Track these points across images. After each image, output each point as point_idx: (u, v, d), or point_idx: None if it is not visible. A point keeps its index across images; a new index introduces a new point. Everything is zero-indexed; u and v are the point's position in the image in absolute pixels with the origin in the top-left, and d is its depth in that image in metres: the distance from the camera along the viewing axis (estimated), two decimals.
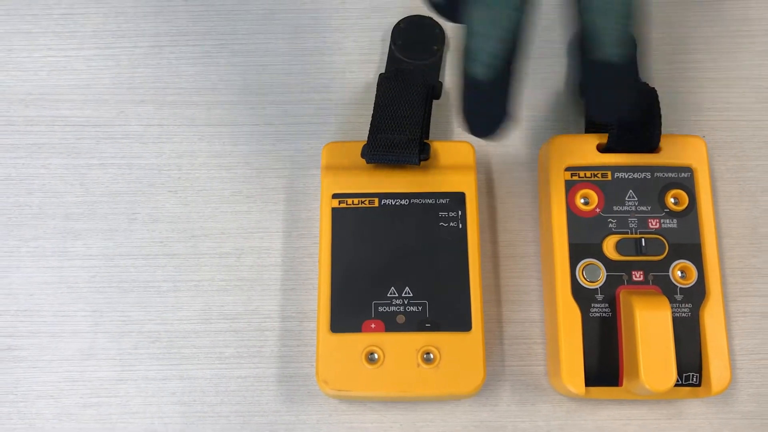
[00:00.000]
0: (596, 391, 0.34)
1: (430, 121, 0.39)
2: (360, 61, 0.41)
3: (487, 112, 0.28)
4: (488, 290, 0.37)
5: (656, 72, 0.41)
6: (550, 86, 0.41)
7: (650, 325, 0.32)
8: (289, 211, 0.39)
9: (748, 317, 0.37)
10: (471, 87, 0.28)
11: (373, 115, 0.37)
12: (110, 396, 0.36)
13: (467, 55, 0.27)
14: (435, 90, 0.39)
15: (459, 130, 0.40)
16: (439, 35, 0.41)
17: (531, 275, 0.38)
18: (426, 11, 0.41)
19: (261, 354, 0.36)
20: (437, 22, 0.41)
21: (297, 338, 0.37)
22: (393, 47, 0.41)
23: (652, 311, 0.32)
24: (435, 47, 0.41)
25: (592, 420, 0.36)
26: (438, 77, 0.40)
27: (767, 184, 0.39)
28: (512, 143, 0.40)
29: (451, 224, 0.36)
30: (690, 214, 0.35)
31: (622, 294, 0.34)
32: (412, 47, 0.41)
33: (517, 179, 0.39)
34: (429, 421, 0.36)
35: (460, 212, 0.36)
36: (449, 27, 0.41)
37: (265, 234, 0.38)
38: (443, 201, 0.36)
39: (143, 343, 0.37)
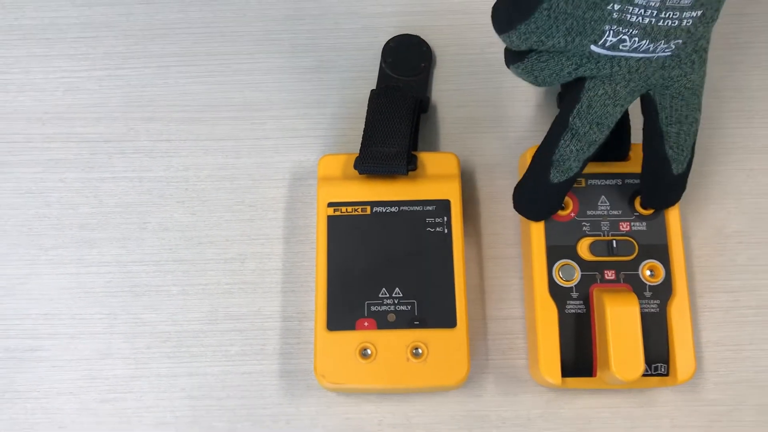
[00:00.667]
0: (572, 381, 0.37)
1: (418, 134, 0.42)
2: (353, 78, 0.44)
3: (550, 205, 0.37)
4: (473, 290, 0.40)
5: None
6: (530, 99, 0.44)
7: (620, 320, 0.35)
8: (288, 219, 0.42)
9: (714, 312, 0.40)
10: (549, 189, 0.36)
11: (364, 129, 0.40)
12: (125, 392, 0.39)
13: (556, 165, 0.35)
14: (423, 104, 0.42)
15: (446, 141, 0.43)
16: (426, 53, 0.44)
17: (513, 275, 0.40)
18: (414, 30, 0.44)
19: (264, 351, 0.39)
20: (424, 41, 0.44)
21: (297, 336, 0.40)
22: (383, 65, 0.44)
23: (621, 307, 0.35)
24: (422, 64, 0.44)
25: (569, 409, 0.39)
26: (426, 92, 0.43)
27: (731, 188, 0.42)
28: (495, 153, 0.43)
29: (438, 229, 0.39)
30: (658, 217, 0.38)
31: (595, 292, 0.37)
32: (401, 64, 0.44)
33: (500, 186, 0.42)
34: (420, 411, 0.39)
35: (445, 218, 0.39)
36: (436, 45, 0.44)
37: (266, 240, 0.41)
38: (430, 208, 0.39)
39: (155, 342, 0.40)
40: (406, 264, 0.38)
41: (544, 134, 0.43)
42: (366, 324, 0.37)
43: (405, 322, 0.37)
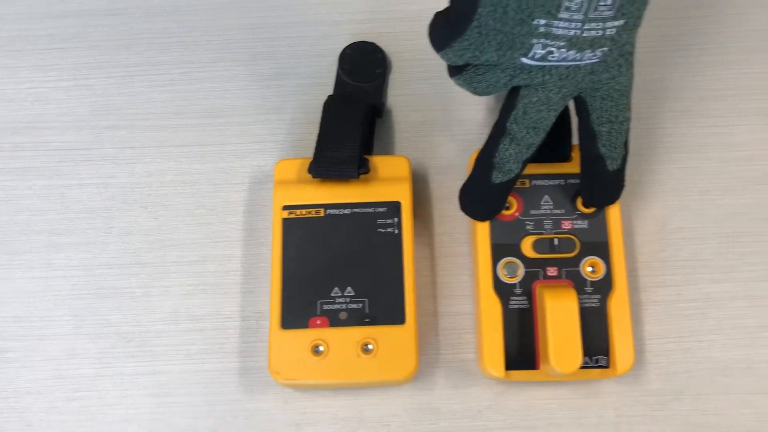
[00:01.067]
0: (516, 374, 0.38)
1: (373, 138, 0.44)
2: (312, 84, 0.46)
3: (493, 205, 0.39)
4: (425, 287, 0.42)
5: None
6: (481, 103, 0.45)
7: (558, 314, 0.37)
8: (248, 222, 0.43)
9: (657, 305, 0.41)
10: (493, 190, 0.37)
11: (318, 134, 0.41)
12: (90, 390, 0.41)
13: (497, 168, 0.37)
14: (377, 109, 0.44)
15: (400, 144, 0.45)
16: (382, 59, 0.46)
17: (463, 272, 0.42)
18: (371, 37, 0.46)
19: (223, 350, 0.41)
20: (380, 48, 0.46)
21: (255, 335, 0.41)
22: (340, 71, 0.45)
23: (560, 302, 0.37)
24: (378, 70, 0.45)
25: (517, 401, 0.40)
26: (381, 98, 0.45)
27: (674, 185, 0.43)
28: (448, 155, 0.44)
29: (388, 230, 0.40)
30: (599, 215, 0.40)
31: (537, 288, 0.38)
32: (357, 71, 0.45)
33: (452, 187, 0.44)
34: (373, 405, 0.40)
35: (396, 219, 0.40)
36: (392, 51, 0.46)
37: (226, 243, 0.43)
38: (381, 210, 0.40)
39: (119, 342, 0.41)
40: (358, 264, 0.40)
41: None
42: (318, 322, 0.39)
43: (356, 319, 0.39)
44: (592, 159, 0.37)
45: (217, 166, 0.44)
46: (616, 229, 0.39)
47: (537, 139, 0.36)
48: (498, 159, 0.37)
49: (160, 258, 0.43)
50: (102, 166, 0.45)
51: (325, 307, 0.39)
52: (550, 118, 0.36)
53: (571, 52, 0.33)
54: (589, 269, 0.39)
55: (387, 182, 0.41)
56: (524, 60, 0.33)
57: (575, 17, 0.31)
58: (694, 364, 0.40)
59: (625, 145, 0.37)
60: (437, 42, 0.34)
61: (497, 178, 0.37)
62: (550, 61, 0.33)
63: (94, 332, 0.42)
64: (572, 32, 0.32)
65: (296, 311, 0.39)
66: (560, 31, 0.32)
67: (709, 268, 0.42)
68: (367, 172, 0.41)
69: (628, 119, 0.36)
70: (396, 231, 0.40)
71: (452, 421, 0.40)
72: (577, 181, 0.40)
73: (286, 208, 0.41)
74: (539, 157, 0.40)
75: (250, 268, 0.42)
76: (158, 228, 0.43)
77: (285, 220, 0.40)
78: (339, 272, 0.39)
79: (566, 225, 0.39)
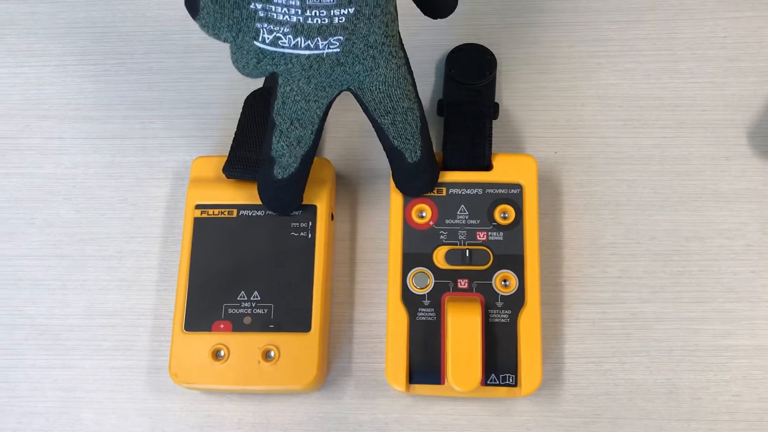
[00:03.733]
0: (420, 388, 0.37)
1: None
2: (244, 79, 0.44)
3: (285, 199, 0.38)
4: (342, 293, 0.41)
5: (515, 90, 0.44)
6: None
7: (459, 329, 0.35)
8: (168, 218, 0.43)
9: (581, 323, 0.40)
10: (276, 185, 0.37)
11: (235, 133, 0.40)
12: (0, 381, 0.41)
13: (276, 162, 0.36)
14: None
15: (330, 146, 0.43)
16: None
17: (382, 280, 0.41)
18: None
19: (134, 348, 0.41)
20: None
21: (166, 334, 0.40)
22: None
23: (461, 315, 0.35)
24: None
25: (425, 415, 0.39)
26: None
27: (610, 199, 0.41)
28: (376, 159, 0.43)
29: (302, 234, 0.39)
30: (516, 227, 0.38)
31: (446, 300, 0.37)
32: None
33: (378, 192, 0.42)
34: (279, 411, 0.39)
35: (310, 223, 0.39)
36: None
37: (144, 239, 0.42)
38: (296, 213, 0.39)
39: (33, 334, 0.41)
40: (267, 268, 0.39)
41: None
42: (222, 326, 0.38)
43: (260, 325, 0.38)
44: (390, 152, 0.37)
45: (141, 160, 0.44)
46: (532, 243, 0.38)
47: (305, 132, 0.36)
48: (274, 153, 0.36)
49: (79, 251, 0.42)
50: (29, 155, 0.44)
51: (230, 311, 0.38)
52: (311, 110, 0.35)
53: (300, 39, 0.33)
54: (502, 283, 0.37)
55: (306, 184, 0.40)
56: (257, 44, 0.34)
57: (292, 3, 0.31)
58: (614, 386, 0.39)
59: (422, 134, 0.37)
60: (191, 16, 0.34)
61: (278, 173, 0.37)
62: (282, 47, 0.33)
63: (9, 323, 0.41)
64: (294, 18, 0.32)
65: (200, 314, 0.38)
66: (281, 17, 0.32)
67: (638, 286, 0.40)
68: None
69: (411, 109, 0.36)
70: (309, 236, 0.39)
71: None
72: (496, 191, 0.38)
73: (198, 207, 0.40)
74: (457, 164, 0.39)
75: (167, 266, 0.42)
76: (79, 221, 0.43)
77: (197, 220, 0.39)
78: (247, 275, 0.39)
79: (481, 236, 0.38)
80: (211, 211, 0.40)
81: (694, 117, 0.43)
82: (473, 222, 0.38)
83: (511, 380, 0.37)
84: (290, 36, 0.33)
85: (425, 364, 0.37)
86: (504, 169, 0.39)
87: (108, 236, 0.42)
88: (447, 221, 0.38)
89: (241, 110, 0.41)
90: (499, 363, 0.37)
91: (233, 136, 0.43)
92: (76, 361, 0.41)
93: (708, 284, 0.40)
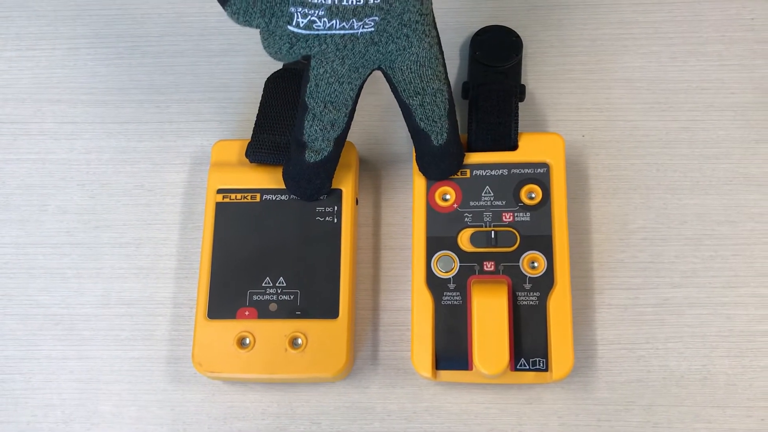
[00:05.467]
0: (447, 374, 0.36)
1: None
2: (262, 62, 0.43)
3: (315, 184, 0.37)
4: (366, 280, 0.40)
5: (540, 73, 0.43)
6: None
7: (486, 312, 0.35)
8: (186, 204, 0.41)
9: (613, 309, 0.39)
10: (308, 170, 0.36)
11: (257, 115, 0.39)
12: (14, 373, 0.39)
13: (309, 146, 0.36)
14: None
15: (352, 130, 0.41)
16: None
17: (407, 266, 0.40)
18: None
19: (153, 337, 0.39)
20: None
21: (186, 323, 0.39)
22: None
23: (487, 298, 0.35)
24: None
25: (456, 403, 0.38)
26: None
27: (639, 182, 0.41)
28: (399, 143, 0.42)
29: (327, 219, 0.38)
30: (543, 207, 0.37)
31: (472, 283, 0.36)
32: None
33: (401, 176, 0.41)
34: (305, 402, 0.38)
35: (336, 208, 0.38)
36: None
37: (162, 225, 0.41)
38: (321, 197, 0.38)
39: (47, 324, 0.40)
40: (292, 254, 0.38)
41: None
42: (247, 313, 0.37)
43: (286, 312, 0.37)
44: (416, 134, 0.37)
45: (157, 145, 0.42)
46: (560, 223, 0.37)
47: (339, 115, 0.35)
48: (306, 137, 0.36)
49: (94, 239, 0.41)
50: (41, 140, 0.43)
51: (255, 297, 0.37)
52: (345, 92, 0.35)
53: (335, 21, 0.32)
54: (530, 265, 0.36)
55: None
56: (291, 28, 0.33)
57: None
58: (647, 373, 0.38)
59: (449, 117, 0.36)
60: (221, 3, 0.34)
61: (310, 157, 0.36)
62: (317, 30, 0.32)
63: (22, 313, 0.40)
64: (329, 1, 0.31)
65: (224, 301, 0.37)
66: (315, 0, 0.31)
67: (670, 271, 0.39)
68: None
69: (440, 90, 0.35)
70: (335, 220, 0.38)
71: (387, 422, 0.38)
72: (522, 171, 0.37)
73: (220, 191, 0.39)
74: (482, 144, 0.38)
75: (186, 253, 0.40)
76: (93, 207, 0.41)
77: (219, 204, 0.38)
78: (272, 261, 0.37)
79: (507, 217, 0.37)
80: (233, 196, 0.39)
81: (722, 100, 0.42)
82: (498, 203, 0.37)
83: (541, 364, 0.36)
84: (325, 19, 0.32)
85: (452, 350, 0.36)
86: (530, 148, 0.38)
87: (124, 223, 0.41)
88: (471, 203, 0.37)
89: (261, 93, 0.40)
90: (529, 347, 0.36)
91: (254, 119, 0.42)
92: (93, 352, 0.39)
93: (740, 269, 0.39)
